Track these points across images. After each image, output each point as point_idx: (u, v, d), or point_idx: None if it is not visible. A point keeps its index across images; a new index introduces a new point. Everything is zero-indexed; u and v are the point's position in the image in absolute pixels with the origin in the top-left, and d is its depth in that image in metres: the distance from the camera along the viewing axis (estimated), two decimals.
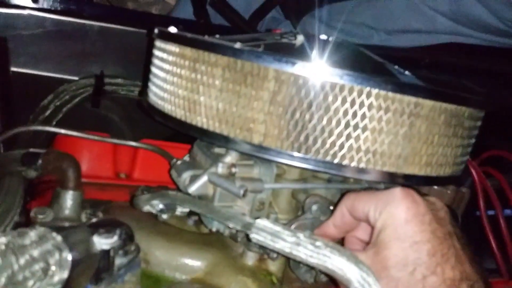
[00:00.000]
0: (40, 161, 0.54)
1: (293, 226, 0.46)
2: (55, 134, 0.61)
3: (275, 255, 0.49)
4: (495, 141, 0.64)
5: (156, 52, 0.49)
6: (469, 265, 0.36)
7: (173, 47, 0.44)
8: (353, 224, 0.42)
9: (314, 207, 0.47)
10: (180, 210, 0.50)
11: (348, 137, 0.39)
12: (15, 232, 0.36)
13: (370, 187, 0.53)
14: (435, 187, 0.60)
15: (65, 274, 0.37)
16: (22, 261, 0.35)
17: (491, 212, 0.60)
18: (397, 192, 0.38)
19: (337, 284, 0.39)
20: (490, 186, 0.61)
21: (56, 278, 0.37)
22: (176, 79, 0.44)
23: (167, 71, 0.46)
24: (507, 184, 0.62)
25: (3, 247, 0.33)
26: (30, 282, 0.35)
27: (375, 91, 0.38)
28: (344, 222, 0.42)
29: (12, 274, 0.34)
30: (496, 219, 0.60)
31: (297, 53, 0.51)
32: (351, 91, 0.38)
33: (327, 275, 0.38)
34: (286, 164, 0.41)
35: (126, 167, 0.64)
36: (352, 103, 0.38)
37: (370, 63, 0.50)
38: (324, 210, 0.48)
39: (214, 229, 0.50)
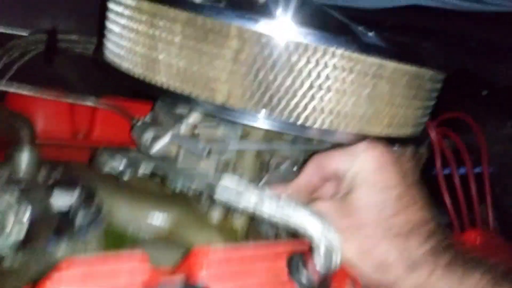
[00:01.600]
0: None
1: (259, 184, 0.46)
2: (5, 92, 0.57)
3: (239, 212, 0.49)
4: (452, 103, 0.66)
5: (111, 6, 0.46)
6: (430, 214, 0.38)
7: (129, 0, 0.42)
8: (318, 184, 0.43)
9: (283, 166, 0.47)
10: (142, 171, 0.50)
11: (312, 98, 0.39)
12: None
13: (333, 148, 0.54)
14: (395, 148, 0.61)
15: (22, 231, 0.37)
16: None
17: (446, 171, 0.63)
18: (366, 144, 0.38)
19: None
20: (447, 147, 0.63)
21: (13, 235, 0.36)
22: (133, 35, 0.41)
23: (123, 26, 0.43)
24: (463, 144, 0.65)
25: None
26: None
27: (339, 51, 0.37)
28: (310, 182, 0.42)
29: None
30: (451, 177, 0.63)
31: (261, 10, 0.49)
32: (315, 51, 0.37)
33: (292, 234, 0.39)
34: (250, 125, 0.40)
35: (84, 127, 0.61)
36: (316, 63, 0.37)
37: (335, 23, 0.49)
38: (290, 170, 0.48)
39: (178, 189, 0.49)
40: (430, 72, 0.43)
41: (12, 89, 0.52)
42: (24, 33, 0.68)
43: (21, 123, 0.50)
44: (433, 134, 0.60)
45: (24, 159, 0.50)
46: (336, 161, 0.39)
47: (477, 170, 0.67)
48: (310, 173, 0.42)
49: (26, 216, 0.37)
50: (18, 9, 0.72)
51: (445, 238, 0.37)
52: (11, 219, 0.36)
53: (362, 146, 0.38)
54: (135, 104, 0.60)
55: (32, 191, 0.42)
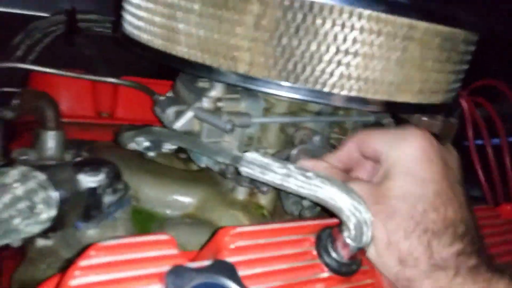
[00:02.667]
0: (15, 101, 0.52)
1: (294, 152, 0.45)
2: (29, 72, 0.57)
3: (265, 189, 0.48)
4: (484, 69, 0.63)
5: None
6: (468, 215, 0.36)
7: None
8: (357, 162, 0.41)
9: (316, 138, 0.46)
10: (166, 147, 0.49)
11: (339, 63, 0.37)
12: None
13: (361, 120, 0.53)
14: (425, 118, 0.59)
15: (52, 212, 0.37)
16: (5, 199, 0.34)
17: (479, 142, 0.61)
18: (413, 131, 0.37)
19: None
20: (479, 116, 0.60)
21: (44, 216, 0.36)
22: (152, 5, 0.40)
23: None
24: (496, 114, 0.62)
25: None
26: (17, 220, 0.34)
27: (366, 12, 0.35)
28: (349, 158, 0.41)
29: None
30: (484, 149, 0.61)
31: None
32: (341, 12, 0.35)
33: (322, 208, 0.38)
34: (274, 95, 0.39)
35: (107, 106, 0.61)
36: (343, 26, 0.36)
37: None
38: (324, 143, 0.47)
39: (203, 165, 0.49)
40: (464, 32, 0.41)
41: (35, 69, 0.52)
42: (43, 14, 0.69)
43: (45, 102, 0.51)
44: (464, 103, 0.58)
45: (51, 139, 0.51)
46: (379, 141, 0.38)
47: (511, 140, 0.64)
48: (350, 149, 0.41)
49: (55, 197, 0.37)
50: None
51: (476, 242, 0.35)
52: (40, 200, 0.36)
53: (410, 132, 0.37)
54: (156, 82, 0.60)
55: (59, 171, 0.42)
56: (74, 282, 0.27)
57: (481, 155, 0.61)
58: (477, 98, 0.62)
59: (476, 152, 0.60)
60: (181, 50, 0.39)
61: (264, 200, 0.52)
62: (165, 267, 0.28)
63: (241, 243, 0.33)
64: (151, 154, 0.49)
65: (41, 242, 0.46)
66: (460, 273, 0.33)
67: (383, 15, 0.36)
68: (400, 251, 0.35)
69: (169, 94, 0.53)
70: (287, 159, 0.46)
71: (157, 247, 0.30)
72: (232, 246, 0.32)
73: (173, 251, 0.31)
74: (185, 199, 0.51)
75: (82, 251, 0.29)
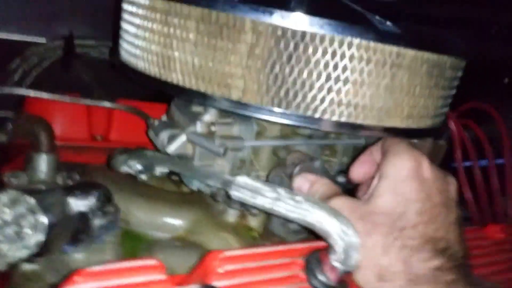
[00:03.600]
0: (10, 125, 0.52)
1: (296, 169, 0.45)
2: (24, 97, 0.57)
3: (255, 211, 0.49)
4: (472, 92, 0.64)
5: (125, 6, 0.46)
6: (454, 235, 0.37)
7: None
8: (372, 167, 0.42)
9: (316, 164, 0.46)
10: (159, 171, 0.49)
11: (329, 90, 0.38)
12: None
13: (352, 143, 0.53)
14: (415, 140, 0.60)
15: (40, 237, 0.37)
16: None
17: (467, 164, 0.62)
18: (410, 150, 0.38)
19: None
20: (468, 138, 0.62)
21: (32, 241, 0.36)
22: (148, 34, 0.41)
23: (137, 26, 0.43)
24: (484, 136, 0.63)
25: None
26: (5, 246, 0.34)
27: (356, 41, 0.36)
28: (377, 154, 0.42)
29: None
30: (472, 170, 0.62)
31: (275, 2, 0.48)
32: (331, 41, 0.36)
33: (310, 231, 0.38)
34: (266, 120, 0.39)
35: (101, 129, 0.62)
36: (333, 54, 0.37)
37: (350, 13, 0.48)
38: (323, 167, 0.47)
39: (194, 188, 0.49)
40: (451, 59, 0.42)
41: (30, 94, 0.52)
42: (40, 40, 0.70)
43: (40, 127, 0.51)
44: (453, 125, 0.59)
45: (43, 162, 0.51)
46: (380, 152, 0.40)
47: (499, 161, 0.65)
48: (371, 151, 0.42)
49: (44, 221, 0.37)
50: (34, 16, 0.73)
51: (457, 258, 0.36)
52: (29, 224, 0.36)
53: (405, 148, 0.38)
54: (150, 106, 0.60)
55: (49, 195, 0.42)
56: None
57: (468, 177, 0.62)
58: (465, 121, 0.63)
59: (464, 173, 0.61)
60: (176, 77, 0.40)
61: (254, 221, 0.52)
62: None
63: (230, 267, 0.33)
64: (143, 177, 0.49)
65: (26, 267, 0.45)
66: (439, 287, 0.34)
67: (372, 44, 0.37)
68: (379, 267, 0.35)
69: (163, 118, 0.54)
70: (283, 179, 0.47)
71: (144, 272, 0.30)
72: (220, 270, 0.32)
73: (161, 276, 0.31)
74: (175, 221, 0.51)
75: (66, 276, 0.29)
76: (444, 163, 0.61)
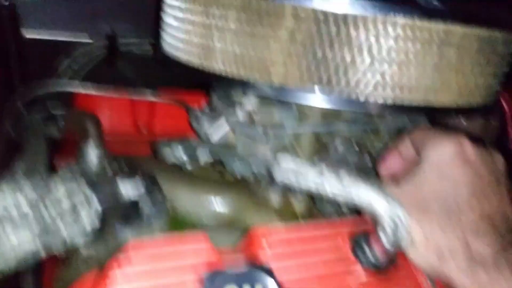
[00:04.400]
0: (62, 122, 0.55)
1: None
2: (73, 95, 0.60)
3: (300, 196, 0.49)
4: None
5: (166, 0, 0.47)
6: (509, 209, 0.36)
7: None
8: (411, 156, 0.41)
9: (343, 147, 0.46)
10: (203, 160, 0.51)
11: (374, 73, 0.37)
12: (44, 184, 0.37)
13: (396, 126, 0.52)
14: (464, 121, 0.58)
15: (96, 224, 0.39)
16: (52, 212, 0.36)
17: None
18: (450, 134, 0.38)
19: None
20: None
21: (88, 229, 0.38)
22: (190, 27, 0.42)
23: (179, 19, 0.44)
24: None
25: (33, 200, 0.35)
26: (64, 232, 0.36)
27: (400, 20, 0.35)
28: (406, 150, 0.42)
29: (44, 224, 0.35)
30: None
31: None
32: (374, 22, 0.35)
33: (357, 210, 0.38)
34: (309, 106, 0.39)
35: (146, 122, 0.64)
36: (377, 35, 0.36)
37: None
38: (351, 151, 0.47)
39: (238, 176, 0.50)
40: (503, 34, 0.40)
41: (79, 90, 0.55)
42: (84, 39, 0.72)
43: (89, 121, 0.53)
44: (505, 104, 0.56)
45: (93, 153, 0.53)
46: (422, 137, 0.39)
47: None
48: (406, 142, 0.41)
49: (98, 206, 0.39)
50: (81, 18, 0.76)
51: None
52: (85, 213, 0.38)
53: (447, 135, 0.38)
54: (191, 96, 0.61)
55: (102, 182, 0.44)
56: (113, 273, 0.28)
57: None
58: None
59: None
60: (218, 67, 0.41)
61: (299, 205, 0.52)
62: (201, 262, 0.29)
63: (275, 242, 0.33)
64: (189, 166, 0.50)
65: (83, 250, 0.48)
66: (500, 268, 0.33)
67: (417, 22, 0.35)
68: (438, 247, 0.35)
69: (205, 108, 0.54)
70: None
71: (193, 243, 0.32)
72: (268, 250, 0.33)
73: (208, 246, 0.32)
74: (220, 208, 0.52)
75: (118, 250, 0.31)
76: (497, 143, 0.58)
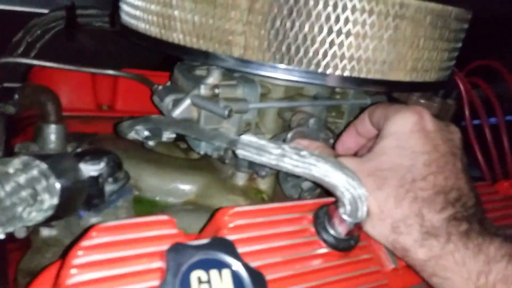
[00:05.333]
0: (16, 96, 0.52)
1: (289, 135, 0.45)
2: (29, 68, 0.58)
3: (264, 173, 0.49)
4: (481, 50, 0.63)
5: None
6: (464, 182, 0.37)
7: None
8: (369, 134, 0.43)
9: (311, 121, 0.47)
10: (166, 136, 0.50)
11: (332, 44, 0.38)
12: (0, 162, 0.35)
13: (357, 103, 0.53)
14: (422, 100, 0.59)
15: (55, 200, 0.37)
16: (7, 187, 0.35)
17: (476, 122, 0.61)
18: (409, 107, 0.39)
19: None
20: (476, 96, 0.61)
21: (46, 204, 0.37)
22: None
23: None
24: (492, 93, 0.62)
25: None
26: (19, 208, 0.35)
27: None
28: (363, 128, 0.42)
29: (0, 202, 0.34)
30: (481, 128, 0.61)
31: None
32: None
33: (322, 189, 0.39)
34: (269, 77, 0.39)
35: (107, 99, 0.62)
36: (335, 6, 0.36)
37: None
38: (319, 125, 0.47)
39: (202, 152, 0.50)
40: (456, 10, 0.41)
41: (35, 63, 0.53)
42: (43, 10, 0.69)
43: (46, 97, 0.51)
44: (461, 84, 0.58)
45: (52, 132, 0.51)
46: (382, 112, 0.39)
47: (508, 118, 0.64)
48: (364, 118, 0.42)
49: (57, 185, 0.38)
50: None
51: (470, 207, 0.36)
52: (42, 185, 0.37)
53: (406, 107, 0.38)
54: (156, 74, 0.60)
55: (61, 160, 0.43)
56: (76, 261, 0.27)
57: (478, 135, 0.61)
58: (474, 79, 0.62)
59: (473, 132, 0.60)
60: (177, 37, 0.40)
61: (263, 184, 0.52)
62: (165, 246, 0.29)
63: (240, 221, 0.33)
64: (151, 143, 0.49)
65: (45, 232, 0.46)
66: (451, 239, 0.34)
67: None
68: (392, 219, 0.36)
69: (167, 83, 0.54)
70: (284, 142, 0.47)
71: (157, 227, 0.31)
72: (231, 224, 0.33)
73: (173, 230, 0.31)
74: (185, 186, 0.52)
75: (83, 233, 0.30)
76: (454, 122, 0.60)
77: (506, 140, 0.61)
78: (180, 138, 0.51)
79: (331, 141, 0.50)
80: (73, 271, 0.27)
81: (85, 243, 0.28)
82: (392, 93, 0.56)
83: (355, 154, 0.46)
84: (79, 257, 0.28)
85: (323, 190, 0.45)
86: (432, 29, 0.40)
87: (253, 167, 0.49)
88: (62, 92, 0.57)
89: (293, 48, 0.38)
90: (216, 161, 0.53)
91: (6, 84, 0.52)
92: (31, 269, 0.43)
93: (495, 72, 0.64)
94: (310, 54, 0.38)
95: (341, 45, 0.38)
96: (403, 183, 0.36)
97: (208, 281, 0.28)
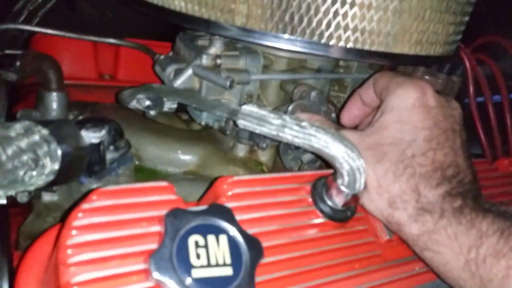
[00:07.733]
0: (18, 63, 0.52)
1: (290, 107, 0.45)
2: (31, 35, 0.57)
3: (264, 145, 0.49)
4: (488, 27, 0.62)
5: None
6: (462, 159, 0.37)
7: None
8: (373, 103, 0.42)
9: (313, 94, 0.46)
10: (167, 106, 0.50)
11: (335, 14, 0.37)
12: (1, 127, 0.35)
13: (361, 77, 0.53)
14: (427, 76, 0.59)
15: (56, 165, 0.38)
16: (9, 151, 0.35)
17: (481, 99, 0.60)
18: (412, 80, 0.38)
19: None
20: (481, 73, 0.60)
21: (47, 169, 0.37)
22: None
23: None
24: (498, 70, 0.61)
25: None
26: (21, 171, 0.35)
27: None
28: (368, 96, 0.42)
29: (1, 167, 0.34)
30: (485, 105, 0.60)
31: None
32: None
33: (322, 161, 0.39)
34: (271, 47, 0.39)
35: (109, 68, 0.62)
36: None
37: None
38: (321, 99, 0.47)
39: (203, 123, 0.50)
40: None
41: (36, 30, 0.52)
42: None
43: (48, 64, 0.51)
44: (466, 60, 0.57)
45: (54, 100, 0.51)
46: (386, 82, 0.39)
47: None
48: (369, 86, 0.41)
49: (58, 150, 0.38)
50: None
51: (466, 183, 0.36)
52: (44, 150, 0.37)
53: (409, 81, 0.38)
54: (158, 44, 0.60)
55: (62, 126, 0.43)
56: (77, 223, 0.28)
57: (482, 113, 0.61)
58: (479, 55, 0.61)
59: (477, 110, 0.60)
60: (178, 4, 0.39)
61: (264, 156, 0.53)
62: (164, 211, 0.30)
63: (239, 190, 0.34)
64: (152, 112, 0.49)
65: (47, 197, 0.47)
66: (445, 215, 0.34)
67: None
68: (389, 194, 0.36)
69: (170, 53, 0.53)
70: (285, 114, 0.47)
71: (157, 193, 0.32)
72: (229, 193, 0.33)
73: (172, 196, 0.32)
74: (186, 157, 0.52)
75: (84, 196, 0.30)
76: (458, 98, 0.59)
77: (509, 118, 0.61)
78: (181, 109, 0.51)
79: (333, 115, 0.50)
80: (73, 232, 0.27)
81: (85, 205, 0.29)
82: (396, 66, 0.55)
83: (356, 127, 0.46)
84: (79, 219, 0.28)
85: (323, 162, 0.45)
86: (438, 1, 0.39)
87: (254, 139, 0.49)
88: (64, 60, 0.56)
89: (296, 18, 0.37)
90: (217, 132, 0.53)
91: (7, 51, 0.52)
92: (32, 232, 0.44)
93: (502, 49, 0.63)
94: (314, 24, 0.37)
95: (345, 15, 0.37)
96: (403, 158, 0.36)
97: (205, 246, 0.28)
